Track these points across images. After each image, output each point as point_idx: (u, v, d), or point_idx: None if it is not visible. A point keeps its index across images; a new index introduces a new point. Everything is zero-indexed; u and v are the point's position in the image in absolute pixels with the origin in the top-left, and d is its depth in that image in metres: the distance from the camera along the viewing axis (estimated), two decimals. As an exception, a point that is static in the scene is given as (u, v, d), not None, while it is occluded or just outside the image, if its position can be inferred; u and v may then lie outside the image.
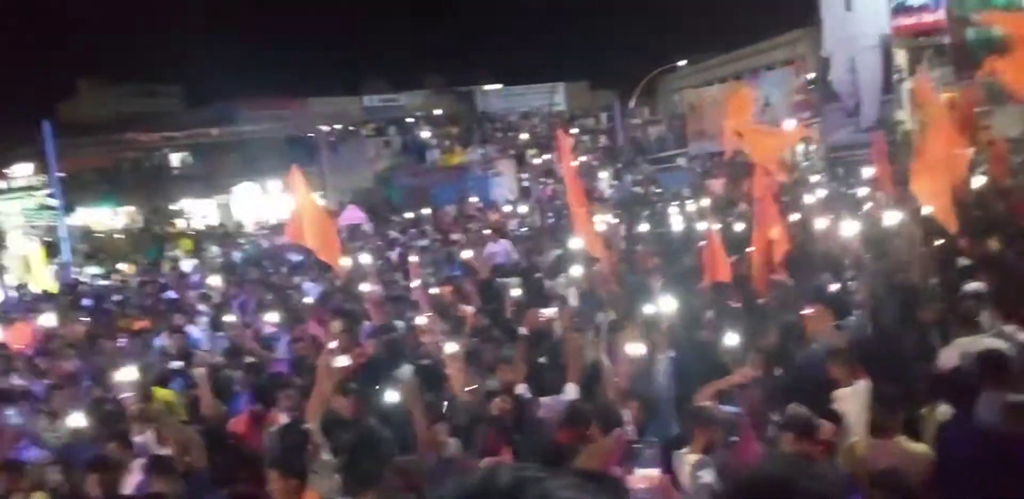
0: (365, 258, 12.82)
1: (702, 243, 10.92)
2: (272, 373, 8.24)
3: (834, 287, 8.26)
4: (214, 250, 20.81)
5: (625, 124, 36.06)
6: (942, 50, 24.79)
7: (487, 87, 42.81)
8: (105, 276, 18.91)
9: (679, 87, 37.26)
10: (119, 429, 6.59)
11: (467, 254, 12.56)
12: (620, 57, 45.41)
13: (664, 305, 7.33)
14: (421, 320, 8.30)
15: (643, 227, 14.46)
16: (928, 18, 24.96)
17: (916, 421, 5.28)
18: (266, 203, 30.46)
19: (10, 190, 26.72)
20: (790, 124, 25.55)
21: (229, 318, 10.04)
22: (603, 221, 11.89)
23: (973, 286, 7.24)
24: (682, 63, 36.56)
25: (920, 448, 4.89)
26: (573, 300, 8.93)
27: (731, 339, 6.45)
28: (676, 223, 14.03)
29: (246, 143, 31.36)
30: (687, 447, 5.16)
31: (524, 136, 35.35)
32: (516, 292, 9.54)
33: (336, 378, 6.41)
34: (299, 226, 10.56)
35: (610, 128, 37.01)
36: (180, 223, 30.24)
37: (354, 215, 21.59)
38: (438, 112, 39.57)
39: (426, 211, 22.70)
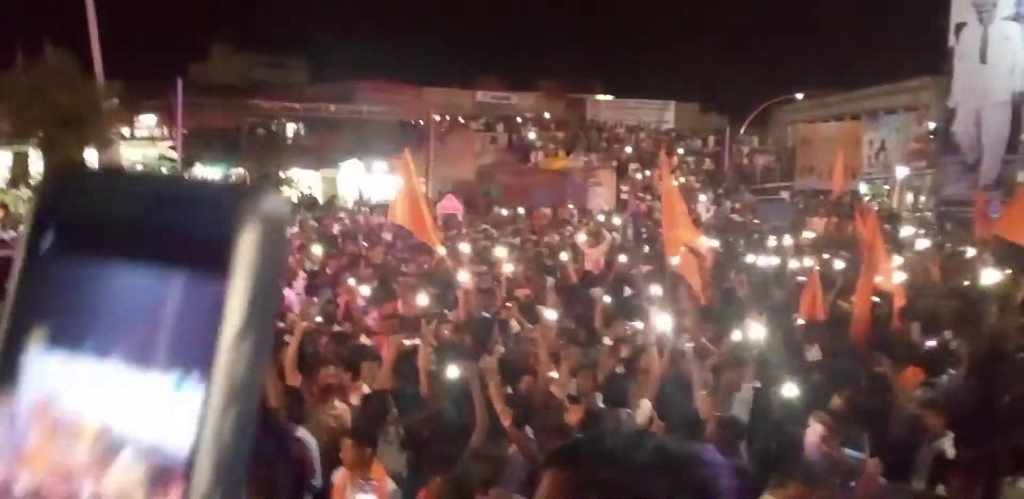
0: (462, 247, 13.11)
1: (799, 279, 10.90)
2: (358, 344, 8.44)
3: (931, 343, 8.17)
4: (313, 222, 21.46)
5: (732, 150, 35.77)
6: (1076, 115, 23.96)
7: (599, 97, 42.96)
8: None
9: (793, 120, 36.80)
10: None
11: (564, 257, 12.74)
12: (737, 83, 45.11)
13: (754, 334, 7.35)
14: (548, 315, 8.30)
15: (739, 255, 14.40)
16: (1068, 79, 24.16)
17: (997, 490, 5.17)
18: (370, 181, 31.25)
19: (135, 138, 28.08)
20: (902, 171, 25.13)
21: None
22: (701, 244, 11.85)
23: None
24: (799, 96, 36.09)
25: None
26: (658, 317, 9.00)
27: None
28: (772, 256, 13.94)
29: (360, 122, 32.25)
30: (771, 491, 4.75)
31: (628, 149, 35.40)
32: (605, 301, 9.66)
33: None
34: (401, 208, 10.94)
35: (716, 152, 36.76)
36: (287, 191, 31.25)
37: (451, 204, 21.96)
38: (547, 115, 39.91)
39: (521, 210, 22.97)
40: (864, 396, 6.47)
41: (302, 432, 5.94)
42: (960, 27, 25.77)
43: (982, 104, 25.37)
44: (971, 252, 13.42)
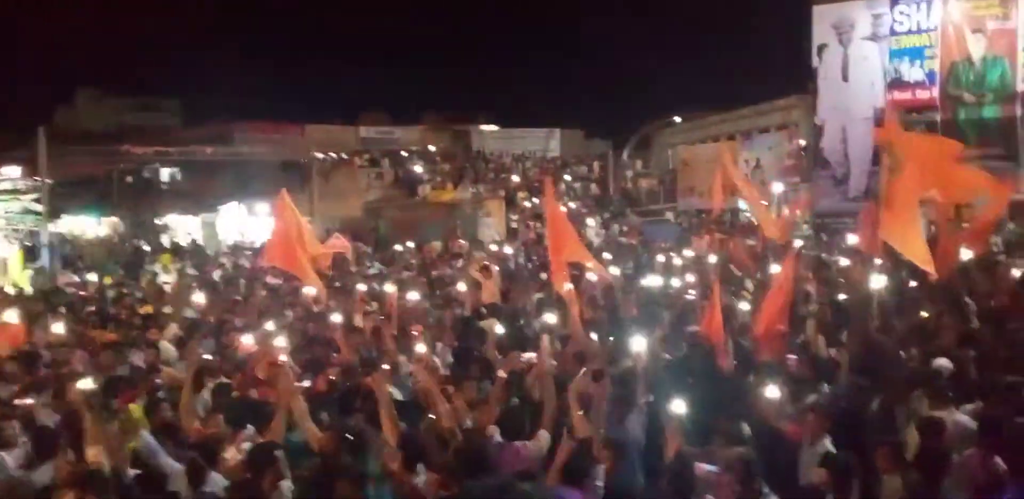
0: (359, 286, 12.80)
1: (691, 297, 10.97)
2: (243, 396, 8.15)
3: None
4: (191, 270, 20.61)
5: (617, 174, 36.41)
6: (933, 127, 25.29)
7: (484, 127, 43.21)
8: (81, 285, 18.66)
9: (673, 142, 37.75)
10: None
11: (460, 287, 12.52)
12: (617, 108, 46.21)
13: (644, 353, 7.28)
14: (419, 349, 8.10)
15: (627, 277, 14.49)
16: (922, 94, 25.52)
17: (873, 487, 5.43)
18: (252, 225, 30.35)
19: (-2, 191, 26.46)
20: (777, 187, 26.01)
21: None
22: (592, 269, 11.86)
23: (941, 362, 7.32)
24: (678, 119, 37.07)
25: None
26: (550, 345, 8.88)
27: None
28: (659, 276, 14.05)
29: (239, 164, 31.40)
30: None
31: (516, 178, 35.58)
32: (498, 332, 9.50)
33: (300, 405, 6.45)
34: (279, 249, 10.53)
35: (602, 177, 37.35)
36: (163, 238, 30.04)
37: (339, 243, 21.50)
38: (433, 148, 39.84)
39: (411, 244, 22.70)
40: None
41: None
42: (822, 48, 26.98)
43: (846, 120, 26.57)
44: (844, 262, 13.85)
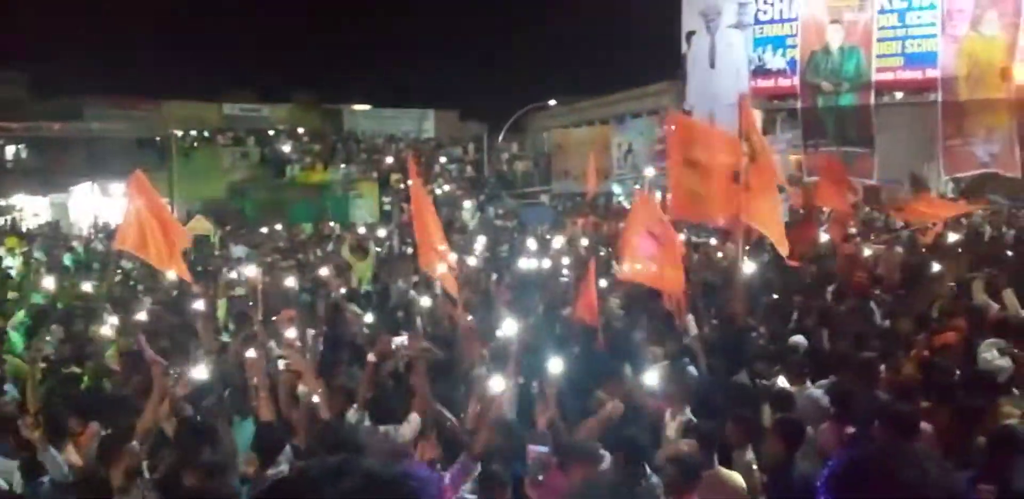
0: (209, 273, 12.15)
1: (563, 279, 10.97)
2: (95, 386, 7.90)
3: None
4: (39, 253, 19.23)
5: (492, 157, 36.33)
6: (794, 114, 26.32)
7: (356, 107, 42.23)
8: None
9: (548, 126, 37.97)
10: None
11: (324, 272, 12.10)
12: (493, 90, 46.04)
13: (516, 334, 7.21)
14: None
15: (501, 259, 14.42)
16: (784, 82, 26.49)
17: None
18: (107, 206, 28.64)
19: None
20: (650, 171, 26.51)
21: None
22: (459, 252, 11.71)
23: (797, 339, 7.51)
24: (552, 102, 37.27)
25: (735, 478, 5.24)
26: (423, 329, 8.73)
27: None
28: (534, 258, 14.03)
29: (91, 141, 29.57)
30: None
31: (390, 160, 34.97)
32: (369, 317, 9.26)
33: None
34: (130, 232, 9.85)
35: (477, 159, 37.19)
36: (8, 220, 28.01)
37: (202, 225, 20.58)
38: (302, 127, 38.66)
39: (279, 227, 21.96)
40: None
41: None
42: (690, 35, 27.60)
43: (714, 106, 27.23)
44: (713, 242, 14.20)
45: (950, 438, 5.33)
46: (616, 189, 30.07)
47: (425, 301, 9.51)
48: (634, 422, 6.11)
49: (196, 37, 47.89)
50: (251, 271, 11.77)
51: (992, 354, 6.93)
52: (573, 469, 4.92)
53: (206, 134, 34.53)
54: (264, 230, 21.95)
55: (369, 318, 9.37)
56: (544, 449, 5.39)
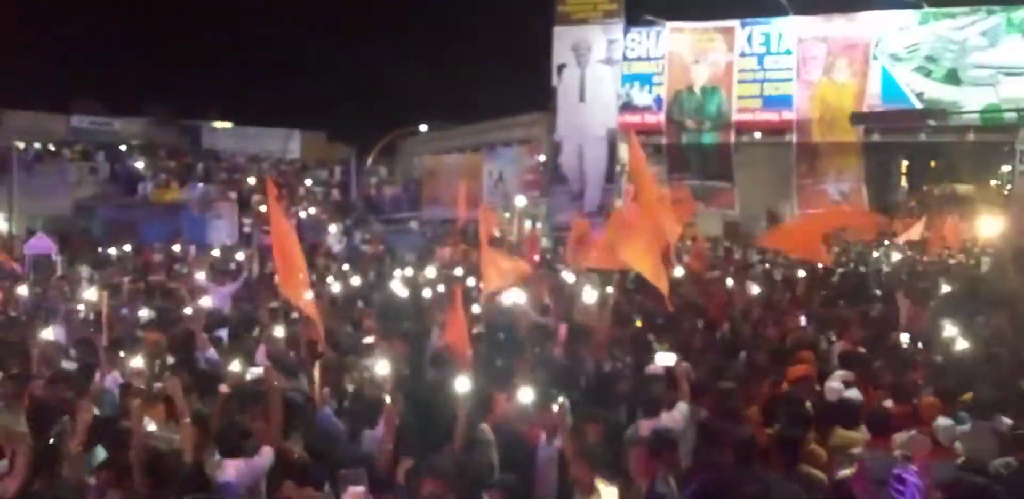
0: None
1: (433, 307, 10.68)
2: None
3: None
4: None
5: (360, 181, 35.64)
6: (660, 150, 27.07)
7: (216, 124, 40.65)
8: None
9: (419, 151, 37.72)
10: None
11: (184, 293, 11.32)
12: (362, 113, 45.19)
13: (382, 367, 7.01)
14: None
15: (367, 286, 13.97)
16: (650, 119, 27.30)
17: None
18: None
19: None
20: (520, 200, 26.60)
21: None
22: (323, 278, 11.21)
23: (654, 368, 7.48)
24: (424, 128, 37.04)
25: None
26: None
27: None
28: (402, 285, 13.65)
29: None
30: None
31: (251, 180, 33.71)
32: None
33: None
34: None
35: (344, 183, 36.41)
36: None
37: (42, 244, 19.09)
38: (157, 143, 36.84)
39: (128, 248, 20.63)
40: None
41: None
42: (561, 68, 28.06)
43: (583, 139, 27.80)
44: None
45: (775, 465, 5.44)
46: (486, 217, 29.97)
47: (278, 331, 8.93)
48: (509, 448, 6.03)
49: (42, 42, 44.76)
50: (92, 294, 10.88)
51: (838, 384, 7.19)
52: None
53: (51, 147, 32.53)
54: (112, 251, 20.55)
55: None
56: (360, 489, 5.06)
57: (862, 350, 8.54)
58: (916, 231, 21.18)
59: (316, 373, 7.40)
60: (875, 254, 21.33)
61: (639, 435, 6.10)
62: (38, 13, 42.24)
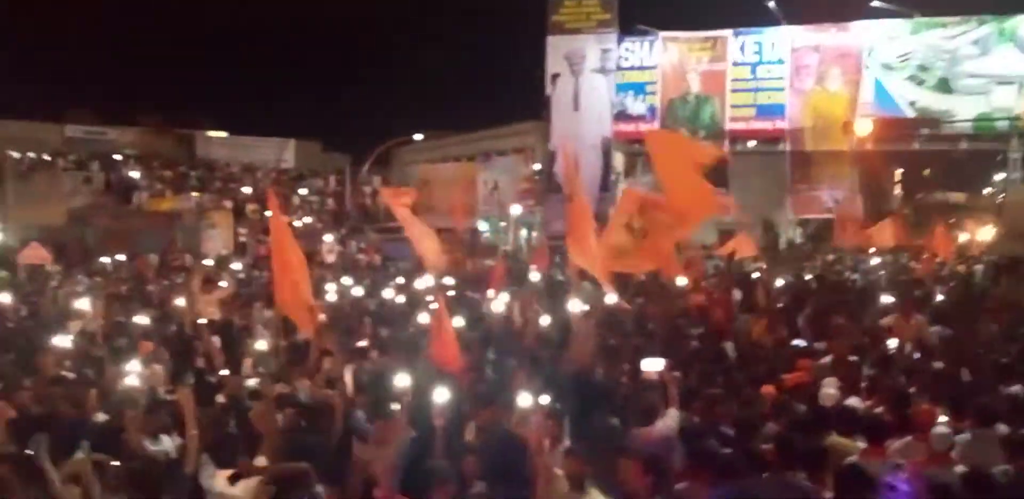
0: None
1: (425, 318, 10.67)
2: None
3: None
4: None
5: (355, 190, 35.65)
6: (654, 158, 27.15)
7: (211, 133, 40.63)
8: None
9: (414, 160, 37.75)
10: None
11: (181, 302, 11.29)
12: (357, 122, 45.35)
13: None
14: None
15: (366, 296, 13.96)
16: (644, 127, 27.36)
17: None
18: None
19: None
20: (516, 209, 26.66)
21: None
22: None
23: (648, 375, 7.49)
24: (419, 137, 37.09)
25: None
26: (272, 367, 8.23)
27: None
28: (399, 294, 13.67)
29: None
30: None
31: (247, 189, 33.69)
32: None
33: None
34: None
35: (339, 192, 36.41)
36: None
37: (37, 254, 19.04)
38: (152, 152, 36.82)
39: (123, 257, 20.60)
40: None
41: None
42: (555, 77, 28.19)
43: (577, 147, 27.82)
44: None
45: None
46: (483, 226, 30.07)
47: (260, 344, 8.93)
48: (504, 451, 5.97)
49: (36, 52, 44.71)
50: (85, 304, 10.87)
51: (834, 391, 7.29)
52: None
53: (45, 156, 32.51)
54: (107, 260, 20.52)
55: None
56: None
57: (854, 358, 8.56)
58: (888, 235, 20.99)
59: (347, 379, 7.45)
60: (872, 262, 21.35)
61: (633, 446, 6.12)
62: (32, 22, 42.25)
